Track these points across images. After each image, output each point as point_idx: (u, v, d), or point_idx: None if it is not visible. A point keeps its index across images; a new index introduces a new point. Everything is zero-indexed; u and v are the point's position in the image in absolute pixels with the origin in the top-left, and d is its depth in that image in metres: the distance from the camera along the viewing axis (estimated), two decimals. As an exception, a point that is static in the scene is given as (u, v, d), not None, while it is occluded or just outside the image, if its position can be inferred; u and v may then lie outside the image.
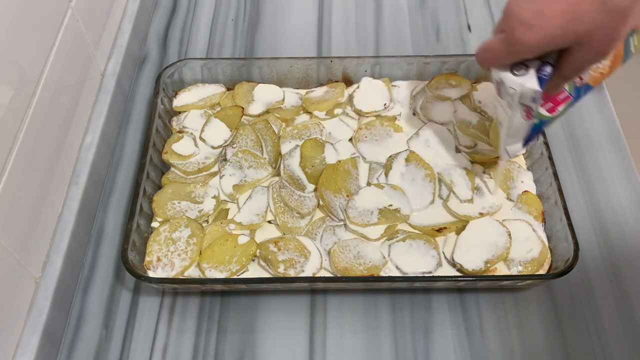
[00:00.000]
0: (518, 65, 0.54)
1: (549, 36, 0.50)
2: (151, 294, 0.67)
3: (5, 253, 0.56)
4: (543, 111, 0.60)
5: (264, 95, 0.79)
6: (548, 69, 0.54)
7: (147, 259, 0.65)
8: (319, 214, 0.69)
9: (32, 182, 0.61)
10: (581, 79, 0.60)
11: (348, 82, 0.81)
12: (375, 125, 0.75)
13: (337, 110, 0.78)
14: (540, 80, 0.54)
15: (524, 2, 0.50)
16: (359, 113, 0.77)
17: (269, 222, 0.69)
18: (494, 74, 0.57)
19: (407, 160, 0.72)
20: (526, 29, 0.50)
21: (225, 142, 0.74)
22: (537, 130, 0.61)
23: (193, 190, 0.71)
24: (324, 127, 0.76)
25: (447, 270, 0.65)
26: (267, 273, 0.65)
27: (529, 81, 0.54)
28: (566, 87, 0.59)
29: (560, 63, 0.54)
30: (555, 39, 0.50)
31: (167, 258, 0.65)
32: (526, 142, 0.62)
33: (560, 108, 0.60)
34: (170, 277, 0.64)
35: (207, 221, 0.69)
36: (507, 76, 0.55)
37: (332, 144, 0.74)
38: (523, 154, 0.74)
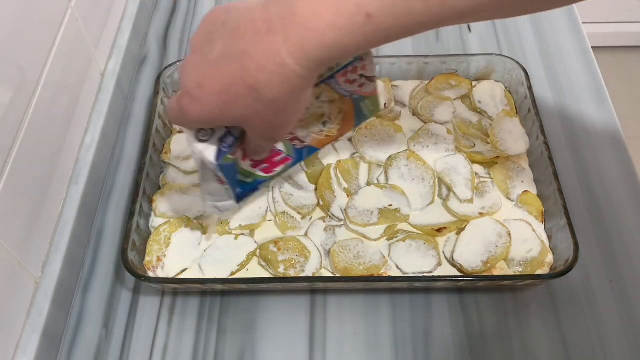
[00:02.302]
0: (204, 130, 0.51)
1: (209, 114, 0.46)
2: (151, 294, 0.67)
3: (5, 253, 0.56)
4: (257, 171, 0.58)
5: (264, 95, 0.79)
6: (229, 140, 0.51)
7: (147, 259, 0.65)
8: (319, 214, 0.69)
9: (32, 182, 0.61)
10: (302, 142, 0.59)
11: (348, 82, 0.81)
12: (375, 125, 0.75)
13: (337, 110, 0.78)
14: (220, 152, 0.51)
15: (190, 69, 0.46)
16: (359, 113, 0.77)
17: (269, 222, 0.69)
18: (184, 131, 0.53)
19: (407, 160, 0.72)
20: (190, 100, 0.46)
21: (225, 142, 0.74)
22: (252, 187, 0.59)
23: (193, 190, 0.71)
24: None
25: (447, 270, 0.65)
26: (267, 273, 0.65)
27: (207, 151, 0.51)
28: (283, 148, 0.58)
29: (243, 138, 0.52)
30: (214, 117, 0.47)
31: (167, 258, 0.65)
32: (240, 198, 0.59)
33: (278, 169, 0.59)
34: (170, 277, 0.64)
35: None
36: (191, 139, 0.51)
37: (332, 144, 0.74)
38: (523, 154, 0.74)
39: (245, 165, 0.57)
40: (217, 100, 0.45)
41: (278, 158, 0.59)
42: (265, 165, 0.59)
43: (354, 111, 0.58)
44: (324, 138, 0.60)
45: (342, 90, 0.55)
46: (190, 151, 0.53)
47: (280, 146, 0.59)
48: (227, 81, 0.44)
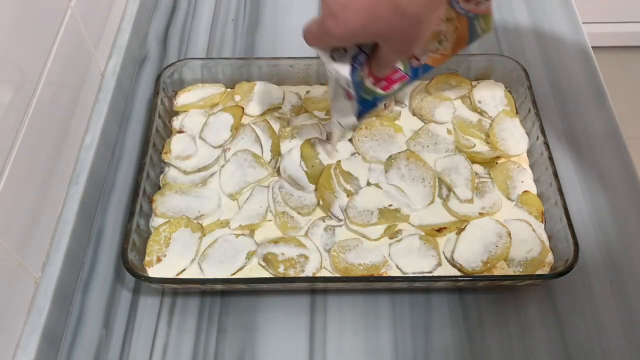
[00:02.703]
0: (337, 50, 0.56)
1: (352, 31, 0.51)
2: (151, 294, 0.67)
3: (5, 253, 0.56)
4: (377, 89, 0.61)
5: (264, 95, 0.79)
6: (361, 58, 0.56)
7: (147, 259, 0.65)
8: (319, 214, 0.69)
9: (32, 182, 0.61)
10: (418, 59, 0.62)
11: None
12: (375, 125, 0.75)
13: (337, 110, 0.78)
14: (353, 68, 0.56)
15: None
16: (359, 113, 0.77)
17: (269, 222, 0.69)
18: (318, 53, 0.58)
19: (407, 160, 0.72)
20: (334, 20, 0.51)
21: (225, 142, 0.74)
22: (371, 105, 0.63)
23: (193, 190, 0.71)
24: (324, 127, 0.76)
25: (447, 270, 0.65)
26: (267, 273, 0.65)
27: (342, 68, 0.56)
28: (401, 66, 0.61)
29: (374, 54, 0.56)
30: (357, 34, 0.52)
31: (167, 258, 0.65)
32: (360, 115, 0.64)
33: (396, 86, 0.62)
34: (170, 277, 0.64)
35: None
36: (326, 59, 0.57)
37: (332, 144, 0.74)
38: (523, 154, 0.74)
39: (368, 82, 0.60)
40: (361, 18, 0.50)
41: (396, 76, 0.61)
42: (384, 82, 0.61)
43: (468, 29, 0.61)
44: (438, 56, 0.63)
45: (459, 9, 0.59)
46: (326, 71, 0.59)
47: (398, 65, 0.61)
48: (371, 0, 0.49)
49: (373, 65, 0.57)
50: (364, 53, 0.56)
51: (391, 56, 0.56)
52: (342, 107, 0.63)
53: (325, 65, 0.57)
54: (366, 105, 0.62)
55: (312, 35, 0.55)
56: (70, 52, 0.69)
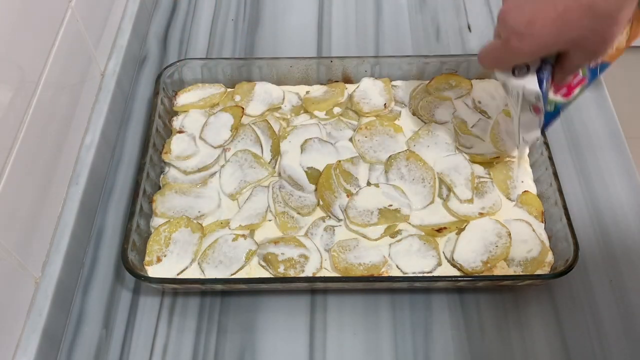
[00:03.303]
0: (519, 67, 0.56)
1: (543, 44, 0.52)
2: (151, 294, 0.67)
3: (5, 253, 0.56)
4: (558, 97, 0.61)
5: (264, 95, 0.79)
6: (548, 69, 0.56)
7: (147, 259, 0.65)
8: (319, 214, 0.69)
9: (32, 182, 0.61)
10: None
11: (348, 82, 0.81)
12: (375, 125, 0.75)
13: (337, 110, 0.78)
14: (540, 81, 0.56)
15: (515, 13, 0.52)
16: (359, 113, 0.77)
17: (269, 222, 0.69)
18: (497, 75, 0.59)
19: (407, 160, 0.72)
20: (520, 38, 0.51)
21: (225, 142, 0.74)
22: (554, 115, 0.62)
23: (193, 190, 0.71)
24: (323, 127, 0.76)
25: (447, 270, 0.65)
26: (267, 273, 0.65)
27: (529, 83, 0.56)
28: (580, 71, 0.60)
29: (560, 62, 0.55)
30: (548, 45, 0.52)
31: (167, 258, 0.65)
32: (545, 127, 0.63)
33: (576, 91, 0.61)
34: (170, 277, 0.64)
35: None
36: (509, 78, 0.57)
37: (332, 143, 0.74)
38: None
39: (550, 93, 0.60)
40: (551, 29, 0.50)
41: (576, 80, 0.61)
42: (564, 90, 0.61)
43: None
44: (614, 51, 0.61)
45: None
46: (505, 92, 0.60)
47: None
48: (561, 9, 0.49)
49: (558, 74, 0.57)
50: (549, 64, 0.56)
51: (582, 61, 0.55)
52: (527, 122, 0.62)
53: (508, 84, 0.58)
54: (549, 116, 0.62)
55: (493, 58, 0.56)
56: (70, 52, 0.69)
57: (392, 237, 0.67)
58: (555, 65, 0.56)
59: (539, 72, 0.56)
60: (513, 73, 0.57)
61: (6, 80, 0.56)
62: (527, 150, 0.73)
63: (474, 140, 0.75)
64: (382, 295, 0.66)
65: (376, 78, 0.80)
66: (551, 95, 0.60)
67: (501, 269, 0.65)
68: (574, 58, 0.54)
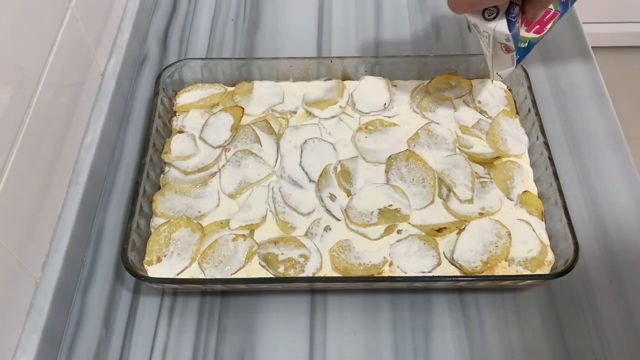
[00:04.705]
0: (489, 9, 0.59)
1: None
2: (151, 294, 0.67)
3: (5, 253, 0.56)
4: (531, 34, 0.63)
5: (264, 95, 0.79)
6: (515, 10, 0.59)
7: (147, 259, 0.65)
8: (319, 214, 0.69)
9: (32, 182, 0.61)
10: None
11: (348, 81, 0.81)
12: (375, 125, 0.75)
13: (337, 110, 0.78)
14: (509, 22, 0.59)
15: None
16: (359, 113, 0.77)
17: (269, 222, 0.69)
18: (468, 17, 0.61)
19: (407, 160, 0.72)
20: None
21: (225, 142, 0.74)
22: (527, 50, 0.64)
23: (193, 190, 0.71)
24: (324, 127, 0.76)
25: (447, 270, 0.65)
26: (267, 273, 0.65)
27: (499, 25, 0.59)
28: (551, 5, 0.62)
29: (529, 0, 0.58)
30: None
31: (167, 258, 0.65)
32: (517, 62, 0.66)
33: (548, 26, 0.63)
34: (170, 277, 0.64)
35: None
36: (480, 21, 0.60)
37: (332, 143, 0.74)
38: (524, 154, 0.74)
39: (522, 31, 0.62)
40: None
41: (547, 16, 0.63)
42: (537, 26, 0.63)
43: None
44: None
45: None
46: (478, 34, 0.63)
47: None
48: None
49: (529, 11, 0.59)
50: (516, 5, 0.59)
51: None
52: (500, 61, 0.65)
53: (479, 27, 0.61)
54: (523, 53, 0.64)
55: (463, 2, 0.59)
56: (70, 52, 0.69)
57: (392, 237, 0.67)
58: (525, 3, 0.58)
59: (508, 13, 0.59)
60: (483, 16, 0.59)
61: (6, 80, 0.56)
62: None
63: (474, 140, 0.75)
64: (382, 295, 0.66)
65: (376, 78, 0.80)
66: (524, 33, 0.62)
67: (501, 269, 0.65)
68: None
